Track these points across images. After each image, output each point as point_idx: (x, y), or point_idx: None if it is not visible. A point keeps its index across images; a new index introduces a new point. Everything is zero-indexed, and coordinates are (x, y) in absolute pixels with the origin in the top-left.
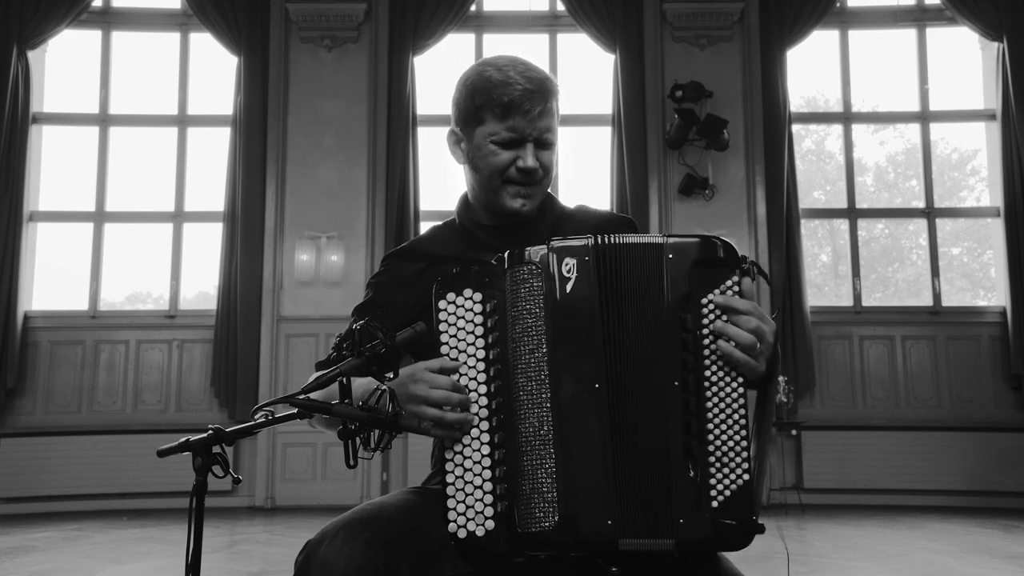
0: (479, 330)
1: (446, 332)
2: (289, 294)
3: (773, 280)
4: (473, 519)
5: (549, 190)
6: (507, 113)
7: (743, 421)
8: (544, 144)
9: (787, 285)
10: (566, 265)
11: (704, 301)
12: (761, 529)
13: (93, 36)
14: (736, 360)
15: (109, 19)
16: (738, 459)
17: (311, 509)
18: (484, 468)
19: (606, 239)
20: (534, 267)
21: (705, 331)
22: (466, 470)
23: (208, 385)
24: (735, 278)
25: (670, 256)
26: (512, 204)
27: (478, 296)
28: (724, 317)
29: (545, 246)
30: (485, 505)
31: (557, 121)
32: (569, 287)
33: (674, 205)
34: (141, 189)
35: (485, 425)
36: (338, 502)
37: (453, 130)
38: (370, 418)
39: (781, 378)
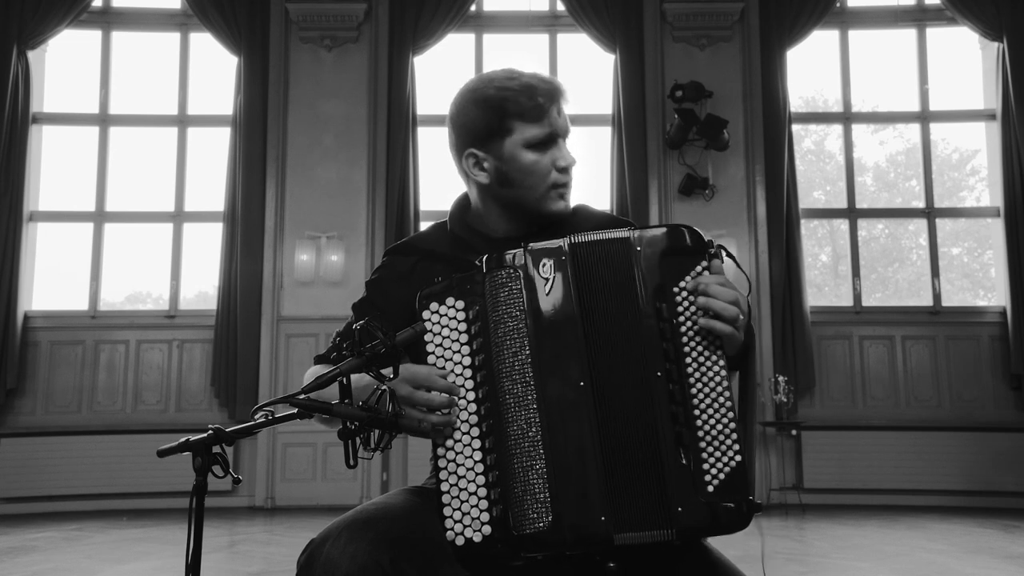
0: (463, 337)
1: (431, 342)
2: (289, 294)
3: (773, 280)
4: (470, 525)
5: None
6: (540, 114)
7: (729, 403)
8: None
9: (787, 285)
10: (543, 267)
11: (676, 289)
12: (759, 508)
13: (93, 36)
14: (719, 332)
15: (109, 19)
16: (728, 441)
17: (311, 509)
18: (477, 474)
19: (579, 238)
20: (512, 271)
21: (682, 318)
22: (459, 477)
23: (208, 385)
24: (704, 263)
25: (638, 249)
26: (557, 206)
27: (460, 304)
28: (700, 299)
29: (522, 249)
30: (480, 511)
31: None
32: (548, 288)
33: (674, 205)
34: (141, 189)
35: (475, 431)
36: (338, 502)
37: (471, 152)
38: (370, 418)
39: (781, 378)
